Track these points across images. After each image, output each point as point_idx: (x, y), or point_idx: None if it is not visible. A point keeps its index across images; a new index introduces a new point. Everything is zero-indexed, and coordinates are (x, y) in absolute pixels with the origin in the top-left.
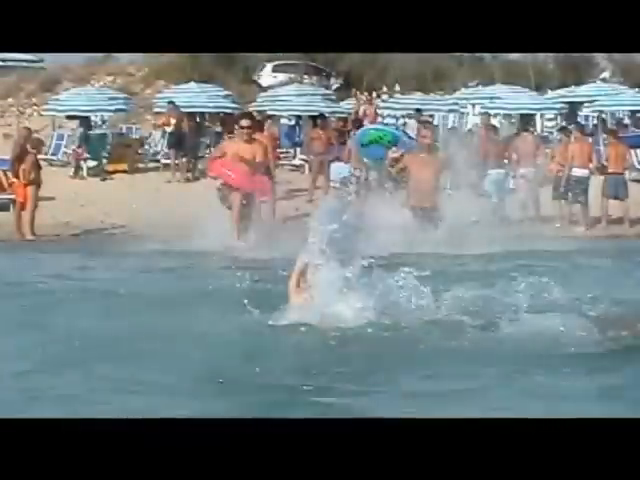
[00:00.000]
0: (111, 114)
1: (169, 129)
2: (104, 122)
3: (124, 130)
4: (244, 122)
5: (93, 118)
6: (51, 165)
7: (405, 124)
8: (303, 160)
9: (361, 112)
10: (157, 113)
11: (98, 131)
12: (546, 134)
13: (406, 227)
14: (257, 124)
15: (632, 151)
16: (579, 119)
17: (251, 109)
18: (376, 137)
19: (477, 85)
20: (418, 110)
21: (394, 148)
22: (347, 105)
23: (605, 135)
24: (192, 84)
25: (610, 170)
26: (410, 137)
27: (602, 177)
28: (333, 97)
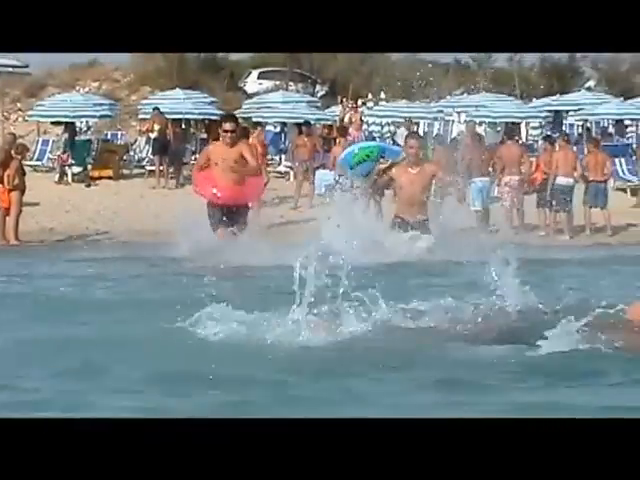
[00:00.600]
0: (96, 120)
1: (153, 135)
2: (89, 128)
3: (109, 136)
4: (227, 125)
5: (78, 124)
6: (36, 171)
7: (395, 133)
8: (288, 167)
9: (346, 119)
10: (142, 119)
11: (83, 137)
12: (531, 142)
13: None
14: (241, 128)
15: (617, 160)
16: (564, 127)
17: (237, 116)
18: (363, 156)
19: (462, 93)
20: (408, 119)
21: (382, 159)
22: (332, 112)
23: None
24: (177, 90)
25: (590, 179)
26: (397, 145)
27: (583, 186)
28: (318, 104)
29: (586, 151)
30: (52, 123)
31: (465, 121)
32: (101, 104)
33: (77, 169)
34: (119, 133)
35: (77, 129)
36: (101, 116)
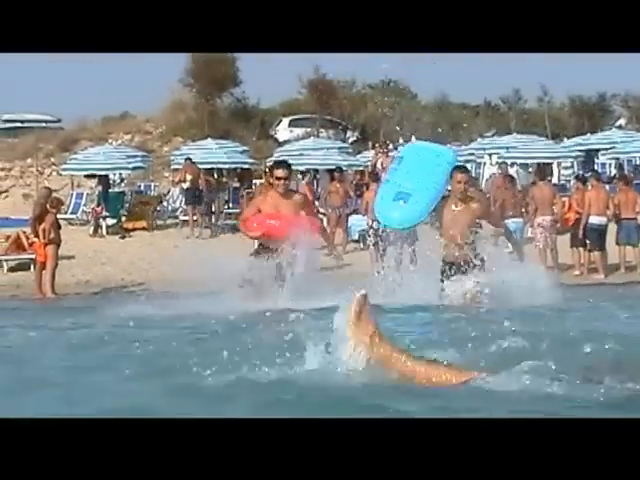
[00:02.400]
0: (129, 172)
1: (186, 185)
2: (122, 180)
3: (142, 187)
4: (280, 172)
5: (111, 176)
6: (70, 224)
7: None
8: (322, 214)
9: (378, 164)
10: (175, 170)
11: (116, 189)
12: (563, 182)
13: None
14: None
15: None
16: (596, 166)
17: (268, 164)
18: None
19: (493, 135)
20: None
21: None
22: (364, 158)
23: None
24: (209, 140)
25: (622, 217)
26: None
27: (615, 224)
28: (350, 150)
29: (617, 189)
30: (86, 176)
31: (497, 163)
32: (134, 156)
33: (111, 221)
34: (152, 184)
35: (110, 181)
36: (134, 168)
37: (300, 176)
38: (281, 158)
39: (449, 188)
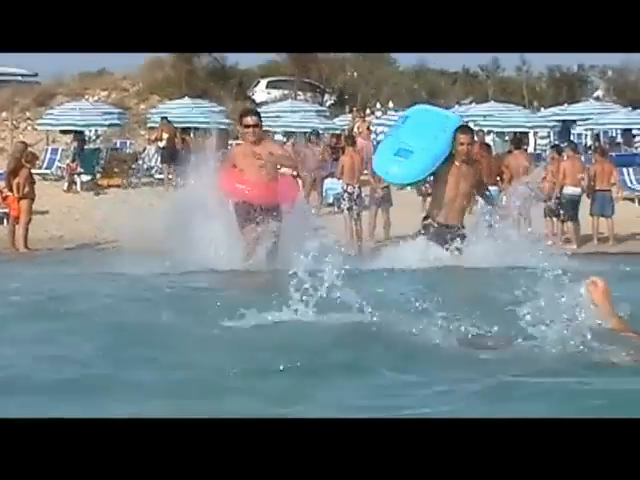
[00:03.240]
0: (105, 129)
1: (162, 144)
2: (98, 137)
3: (118, 145)
4: (249, 119)
5: (87, 133)
6: (45, 179)
7: None
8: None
9: (355, 128)
10: (151, 128)
11: (92, 146)
12: (539, 152)
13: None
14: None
15: (624, 170)
16: (572, 137)
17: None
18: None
19: (470, 102)
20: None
21: None
22: (341, 122)
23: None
24: (186, 99)
25: (596, 188)
26: None
27: (590, 195)
28: (327, 113)
29: (593, 160)
30: (61, 132)
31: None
32: (110, 113)
33: (86, 178)
34: (128, 142)
35: (86, 138)
36: (110, 125)
37: (284, 139)
38: (245, 108)
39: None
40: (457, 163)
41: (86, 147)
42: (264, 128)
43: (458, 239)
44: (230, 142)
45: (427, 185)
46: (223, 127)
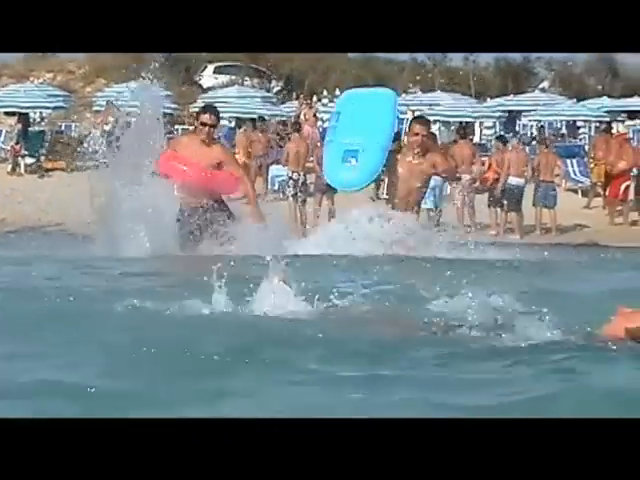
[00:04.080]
0: (50, 111)
1: (108, 128)
2: (43, 119)
3: (63, 128)
4: (206, 117)
5: (32, 115)
6: None
7: None
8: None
9: (302, 115)
10: (97, 111)
11: (37, 128)
12: (484, 142)
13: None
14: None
15: (568, 161)
16: (517, 128)
17: (191, 110)
18: None
19: (417, 91)
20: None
21: None
22: (288, 108)
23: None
24: (132, 83)
25: (540, 179)
26: None
27: (533, 186)
28: (274, 100)
29: (537, 152)
30: (5, 113)
31: None
32: (55, 95)
33: (30, 160)
34: (73, 125)
35: (31, 120)
36: (55, 107)
37: (231, 123)
38: (208, 103)
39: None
40: (410, 154)
41: (30, 129)
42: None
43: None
44: (176, 126)
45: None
46: (168, 112)
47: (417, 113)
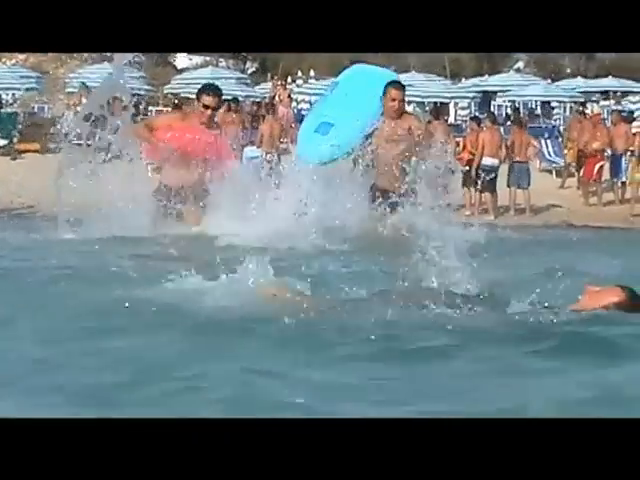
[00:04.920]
0: (22, 93)
1: (80, 109)
2: (15, 101)
3: (36, 109)
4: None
5: (4, 96)
6: None
7: None
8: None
9: (276, 97)
10: (70, 93)
11: (9, 109)
12: (459, 122)
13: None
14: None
15: (543, 142)
16: (492, 108)
17: (165, 91)
18: None
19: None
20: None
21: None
22: (262, 89)
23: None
24: (105, 64)
25: (514, 159)
26: None
27: (507, 166)
28: (248, 81)
29: (511, 132)
30: None
31: None
32: (28, 77)
33: (2, 142)
34: (46, 106)
35: (3, 101)
36: (27, 89)
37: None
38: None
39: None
40: (387, 122)
41: (2, 111)
42: (185, 95)
43: (388, 207)
44: (149, 108)
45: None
46: (142, 93)
47: None
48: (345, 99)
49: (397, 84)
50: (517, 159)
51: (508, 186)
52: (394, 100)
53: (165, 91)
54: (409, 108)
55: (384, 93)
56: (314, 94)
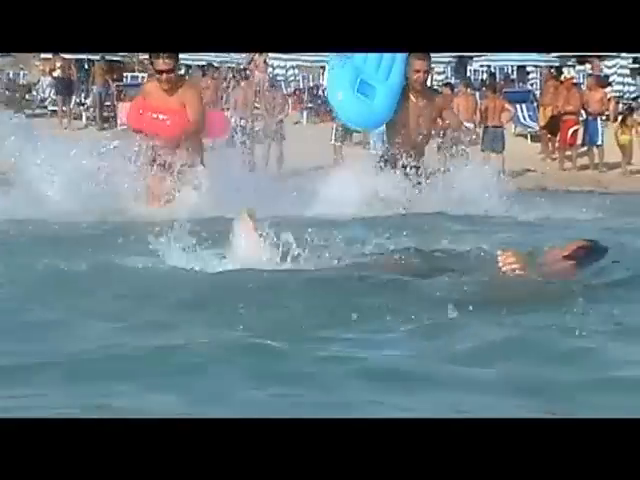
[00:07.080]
0: None
1: (56, 75)
2: None
3: (11, 75)
4: (160, 64)
5: None
6: None
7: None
8: None
9: (252, 63)
10: (45, 59)
11: None
12: (435, 87)
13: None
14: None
15: (518, 106)
16: (468, 73)
17: (141, 58)
18: None
19: None
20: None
21: None
22: (237, 55)
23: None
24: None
25: (488, 124)
26: None
27: (480, 130)
28: None
29: (485, 97)
30: None
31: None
32: None
33: None
34: (21, 72)
35: None
36: (2, 55)
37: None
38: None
39: None
40: (413, 95)
41: None
42: None
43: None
44: (124, 74)
45: None
46: (116, 59)
47: None
48: (376, 58)
49: (420, 54)
50: (491, 123)
51: (482, 150)
52: (418, 71)
53: (140, 57)
54: None
55: (407, 64)
56: (289, 60)
